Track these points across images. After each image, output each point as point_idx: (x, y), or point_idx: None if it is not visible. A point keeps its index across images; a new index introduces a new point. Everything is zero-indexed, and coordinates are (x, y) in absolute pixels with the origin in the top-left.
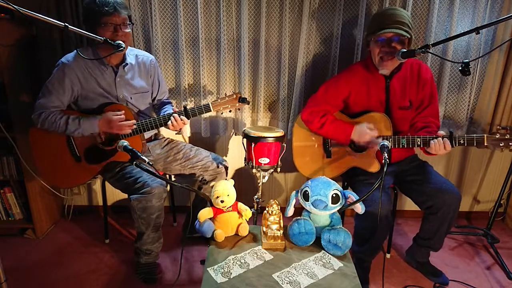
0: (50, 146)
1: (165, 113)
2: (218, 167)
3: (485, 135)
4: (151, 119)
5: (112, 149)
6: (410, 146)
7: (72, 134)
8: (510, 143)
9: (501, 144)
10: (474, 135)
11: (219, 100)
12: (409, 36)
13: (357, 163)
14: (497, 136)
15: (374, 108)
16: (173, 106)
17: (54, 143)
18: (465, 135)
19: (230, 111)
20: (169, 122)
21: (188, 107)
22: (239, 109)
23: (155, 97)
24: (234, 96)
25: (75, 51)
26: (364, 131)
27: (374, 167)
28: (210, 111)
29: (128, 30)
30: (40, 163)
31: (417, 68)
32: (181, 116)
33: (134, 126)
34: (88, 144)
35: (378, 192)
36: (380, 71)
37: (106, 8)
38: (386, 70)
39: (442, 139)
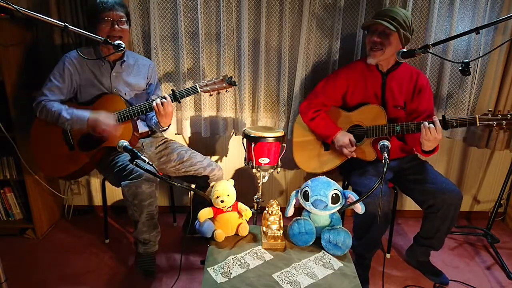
0: (47, 135)
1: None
2: (210, 174)
3: (477, 116)
4: (142, 104)
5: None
6: (405, 132)
7: (63, 125)
8: (503, 123)
9: (494, 125)
10: (466, 116)
11: (206, 82)
12: (394, 30)
13: (354, 154)
14: (489, 116)
15: (370, 102)
16: None
17: (51, 131)
18: (458, 118)
19: (218, 93)
20: (154, 104)
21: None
22: (227, 91)
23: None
24: (221, 78)
25: (76, 50)
26: (345, 140)
27: (371, 156)
28: (198, 92)
29: (125, 26)
30: (37, 152)
31: (415, 76)
32: (165, 95)
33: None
34: (82, 132)
35: (377, 188)
36: (367, 60)
37: (105, 5)
38: (373, 60)
39: (433, 124)
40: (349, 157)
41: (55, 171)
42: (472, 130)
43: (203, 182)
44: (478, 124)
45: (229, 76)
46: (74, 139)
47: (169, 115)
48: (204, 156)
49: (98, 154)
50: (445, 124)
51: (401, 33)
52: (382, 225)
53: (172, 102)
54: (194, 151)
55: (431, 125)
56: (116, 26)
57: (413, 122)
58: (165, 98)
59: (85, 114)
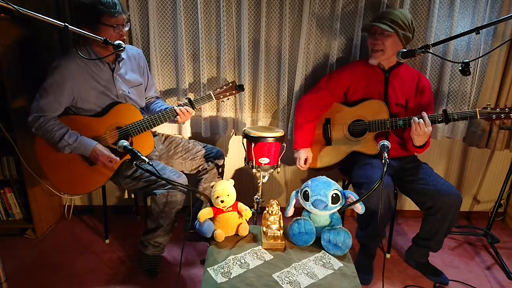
0: (60, 155)
1: (161, 107)
2: (212, 160)
3: (477, 110)
4: (160, 113)
5: None
6: (408, 126)
7: (62, 148)
8: (501, 115)
9: (493, 117)
10: (467, 110)
11: (218, 89)
12: (392, 31)
13: (356, 148)
14: (488, 110)
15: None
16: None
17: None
18: (459, 112)
19: (228, 99)
20: (178, 116)
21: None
22: (235, 96)
23: (144, 90)
24: (231, 85)
25: (73, 50)
26: (303, 156)
27: (374, 149)
28: (212, 99)
29: (127, 29)
30: (53, 174)
31: (417, 77)
32: (186, 107)
33: (114, 166)
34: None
35: (379, 174)
36: (369, 61)
37: (113, 10)
38: (374, 60)
39: (438, 118)
40: (299, 166)
41: (78, 189)
42: (472, 130)
43: (210, 165)
44: (478, 117)
45: (238, 84)
46: None
47: (188, 118)
48: (206, 144)
49: (119, 165)
50: (447, 117)
51: (400, 34)
52: (385, 214)
53: None
54: (194, 140)
55: (421, 119)
56: (122, 30)
57: (415, 116)
58: (187, 110)
59: (92, 142)
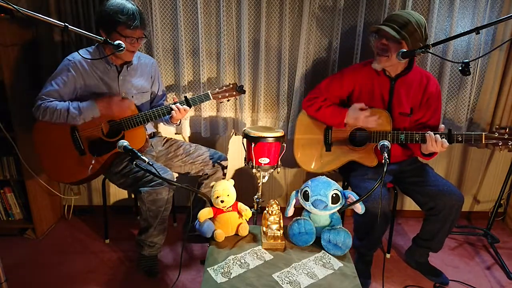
0: (54, 140)
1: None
2: (216, 164)
3: (483, 134)
4: (155, 109)
5: (115, 141)
6: (409, 141)
7: (74, 121)
8: (508, 143)
9: (499, 144)
10: (473, 132)
11: (217, 89)
12: (399, 38)
13: (355, 157)
14: (495, 135)
15: (376, 106)
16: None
17: (58, 137)
18: (464, 133)
19: (228, 100)
20: (173, 111)
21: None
22: (236, 98)
23: (153, 99)
24: (231, 86)
25: (84, 49)
26: (357, 113)
27: (372, 162)
28: (210, 99)
29: (142, 42)
30: (44, 157)
31: (426, 81)
32: (184, 106)
33: (133, 102)
34: (92, 137)
35: (377, 189)
36: (372, 65)
37: (130, 23)
38: (378, 65)
39: (441, 136)
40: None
41: (65, 177)
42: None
43: (210, 170)
44: (483, 141)
45: (238, 85)
46: (84, 144)
47: (183, 116)
48: (207, 147)
49: (109, 159)
50: (450, 138)
51: (409, 42)
52: (382, 225)
53: None
54: (197, 144)
55: (438, 136)
56: (136, 42)
57: (418, 132)
58: (183, 106)
59: (91, 102)
